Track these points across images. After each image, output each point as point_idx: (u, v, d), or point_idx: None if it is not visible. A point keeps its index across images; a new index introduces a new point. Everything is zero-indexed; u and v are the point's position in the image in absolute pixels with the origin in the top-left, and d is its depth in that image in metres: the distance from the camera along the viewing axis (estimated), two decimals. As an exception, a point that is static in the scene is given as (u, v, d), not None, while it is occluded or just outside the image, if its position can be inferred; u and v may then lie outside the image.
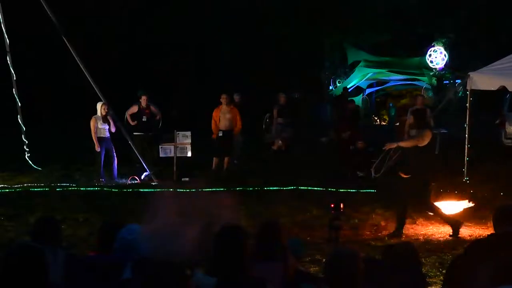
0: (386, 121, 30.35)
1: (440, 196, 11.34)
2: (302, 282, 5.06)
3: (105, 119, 14.36)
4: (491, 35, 24.35)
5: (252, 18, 24.90)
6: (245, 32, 24.88)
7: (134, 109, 15.25)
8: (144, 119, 15.18)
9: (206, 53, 25.08)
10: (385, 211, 11.60)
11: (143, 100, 15.19)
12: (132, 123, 15.07)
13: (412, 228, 10.51)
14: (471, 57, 22.62)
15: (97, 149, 14.37)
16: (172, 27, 24.62)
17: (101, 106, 14.38)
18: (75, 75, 15.12)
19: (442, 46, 25.88)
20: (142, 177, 14.59)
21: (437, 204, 10.64)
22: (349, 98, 21.70)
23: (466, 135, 14.13)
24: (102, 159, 14.46)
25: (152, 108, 15.35)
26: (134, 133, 14.92)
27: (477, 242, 5.66)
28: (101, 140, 14.37)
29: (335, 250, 4.61)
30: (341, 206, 9.33)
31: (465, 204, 12.16)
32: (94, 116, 14.40)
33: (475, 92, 14.58)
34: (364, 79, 27.58)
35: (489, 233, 5.68)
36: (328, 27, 26.14)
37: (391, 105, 31.49)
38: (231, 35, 24.99)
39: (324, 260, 6.82)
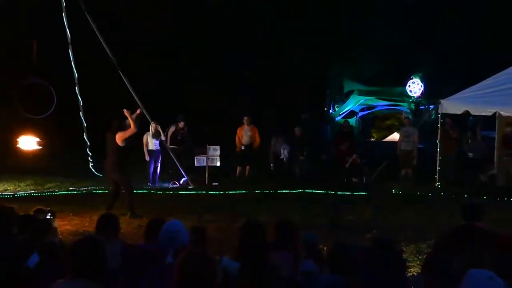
0: (374, 137, 29.67)
1: None
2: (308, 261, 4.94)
3: (154, 135, 14.53)
4: (461, 70, 24.09)
5: (268, 48, 23.64)
6: (263, 62, 23.84)
7: (172, 128, 15.49)
8: (179, 137, 15.49)
9: (226, 78, 23.83)
10: (375, 210, 11.53)
11: (180, 124, 15.41)
12: (168, 142, 15.22)
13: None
14: (443, 87, 22.42)
15: (147, 158, 14.51)
16: (206, 53, 22.90)
17: (152, 124, 14.56)
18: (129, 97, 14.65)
19: (419, 78, 25.78)
20: (181, 182, 14.65)
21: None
22: (344, 119, 21.58)
23: (438, 149, 14.25)
24: (152, 167, 14.56)
25: (185, 129, 15.53)
26: (171, 146, 15.09)
27: (447, 235, 5.54)
28: (151, 152, 14.54)
29: (336, 244, 4.61)
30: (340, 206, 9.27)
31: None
32: (146, 132, 14.58)
33: (445, 115, 14.58)
34: (357, 104, 27.43)
35: (457, 226, 5.59)
36: (331, 59, 25.86)
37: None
38: (250, 62, 23.25)
39: (325, 248, 6.77)
